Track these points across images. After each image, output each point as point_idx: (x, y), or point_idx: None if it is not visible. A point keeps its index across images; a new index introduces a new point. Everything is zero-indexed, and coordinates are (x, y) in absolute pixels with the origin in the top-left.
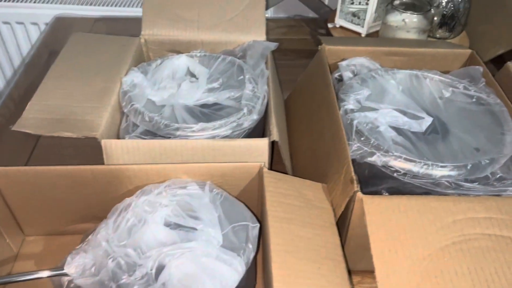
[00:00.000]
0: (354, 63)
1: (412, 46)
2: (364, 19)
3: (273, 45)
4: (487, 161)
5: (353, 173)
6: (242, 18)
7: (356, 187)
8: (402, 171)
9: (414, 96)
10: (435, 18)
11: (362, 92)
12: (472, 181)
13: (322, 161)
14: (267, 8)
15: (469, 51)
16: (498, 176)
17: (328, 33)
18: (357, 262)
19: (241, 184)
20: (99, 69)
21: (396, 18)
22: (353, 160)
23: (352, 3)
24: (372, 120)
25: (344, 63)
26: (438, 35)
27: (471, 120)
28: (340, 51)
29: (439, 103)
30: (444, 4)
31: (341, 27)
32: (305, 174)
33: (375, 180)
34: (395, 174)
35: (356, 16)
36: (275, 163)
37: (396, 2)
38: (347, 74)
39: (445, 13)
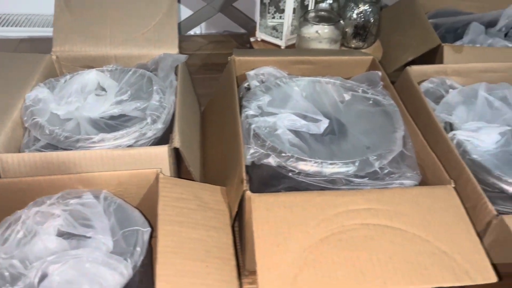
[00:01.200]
0: (262, 72)
1: (319, 54)
2: (282, 32)
3: (183, 57)
4: (375, 157)
5: (244, 174)
6: (154, 32)
7: (245, 186)
8: (296, 171)
9: (317, 101)
10: (348, 30)
11: (263, 99)
12: (362, 177)
13: (225, 165)
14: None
15: (371, 57)
16: (386, 170)
17: (251, 47)
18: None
19: (141, 191)
20: (4, 86)
21: (310, 30)
22: (253, 163)
23: (273, 18)
24: (271, 124)
25: (251, 72)
26: (353, 45)
27: (368, 121)
28: (250, 62)
29: (340, 106)
30: (355, 16)
31: (262, 40)
32: (215, 180)
33: (274, 181)
34: (290, 174)
35: (275, 29)
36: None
37: (310, 15)
38: (254, 83)
39: (356, 24)
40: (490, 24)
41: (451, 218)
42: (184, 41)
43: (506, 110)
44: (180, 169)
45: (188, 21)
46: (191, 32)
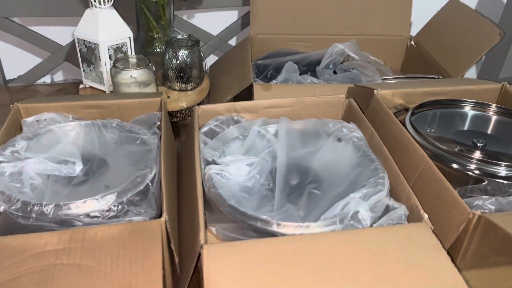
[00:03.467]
0: (44, 118)
1: (109, 99)
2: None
3: None
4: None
5: None
6: None
7: None
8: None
9: (89, 144)
10: (170, 73)
11: (19, 144)
12: (95, 216)
13: None
14: None
15: (159, 99)
16: (120, 207)
17: None
18: None
19: None
20: None
21: (122, 76)
22: None
23: (94, 66)
24: (19, 169)
25: (29, 119)
26: (177, 88)
27: (128, 159)
28: (37, 108)
29: (112, 147)
30: (174, 60)
31: (90, 87)
32: None
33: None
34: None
35: (98, 76)
36: None
37: (119, 62)
38: (27, 130)
39: (176, 68)
40: (318, 63)
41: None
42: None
43: (274, 143)
44: None
45: (36, 69)
46: (40, 81)
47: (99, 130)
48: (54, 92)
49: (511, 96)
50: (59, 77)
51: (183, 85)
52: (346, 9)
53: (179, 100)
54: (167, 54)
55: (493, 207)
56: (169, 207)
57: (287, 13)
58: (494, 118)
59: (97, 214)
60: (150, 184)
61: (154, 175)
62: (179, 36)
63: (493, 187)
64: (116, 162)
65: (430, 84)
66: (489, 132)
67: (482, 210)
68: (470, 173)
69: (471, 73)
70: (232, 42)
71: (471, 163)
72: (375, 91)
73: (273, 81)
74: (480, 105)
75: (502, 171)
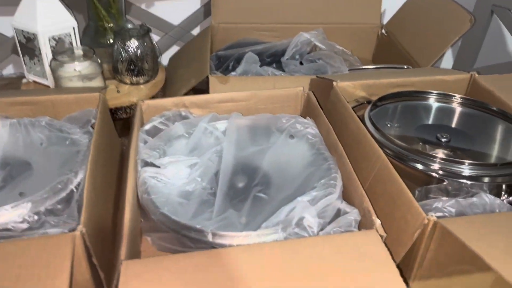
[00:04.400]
0: None
1: (42, 94)
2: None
3: None
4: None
5: None
6: None
7: None
8: None
9: (16, 143)
10: (120, 66)
11: None
12: None
13: None
14: None
15: (97, 94)
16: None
17: None
18: None
19: None
20: None
21: (64, 69)
22: None
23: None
24: None
25: None
26: (128, 81)
27: (55, 162)
28: None
29: (38, 149)
30: (117, 52)
31: (34, 81)
32: None
33: None
34: None
35: (42, 70)
36: None
37: (60, 55)
38: None
39: (126, 60)
40: (284, 53)
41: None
42: None
43: (222, 141)
44: None
45: None
46: None
47: (25, 130)
48: (1, 87)
49: (480, 87)
50: (10, 70)
51: (134, 78)
52: None
53: (130, 94)
54: (115, 45)
55: (453, 210)
56: (91, 217)
57: (251, 1)
58: (459, 110)
59: (10, 226)
60: (74, 190)
61: (81, 180)
62: (130, 26)
63: (455, 187)
64: (41, 165)
65: (394, 74)
66: (454, 125)
67: (441, 214)
68: (431, 173)
69: (448, 63)
70: (196, 32)
71: (432, 162)
72: (334, 83)
73: (232, 73)
74: (445, 97)
75: (465, 170)
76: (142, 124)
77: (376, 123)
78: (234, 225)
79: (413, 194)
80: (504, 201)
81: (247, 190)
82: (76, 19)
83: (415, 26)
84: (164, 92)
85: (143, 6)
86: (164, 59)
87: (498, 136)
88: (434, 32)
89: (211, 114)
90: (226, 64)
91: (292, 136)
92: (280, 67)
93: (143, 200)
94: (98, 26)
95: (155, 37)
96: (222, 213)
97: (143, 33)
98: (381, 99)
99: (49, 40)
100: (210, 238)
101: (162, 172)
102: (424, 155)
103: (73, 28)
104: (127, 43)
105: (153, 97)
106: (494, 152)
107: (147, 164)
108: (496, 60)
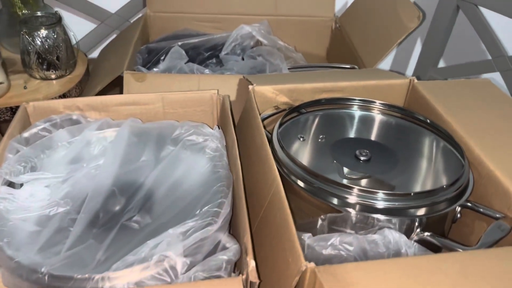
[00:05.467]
0: None
1: None
2: None
3: None
4: None
5: None
6: None
7: None
8: None
9: None
10: (28, 59)
11: None
12: None
13: None
14: None
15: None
16: None
17: None
18: None
19: None
20: None
21: None
22: None
23: None
24: None
25: None
26: (38, 76)
27: None
28: None
29: None
30: (23, 43)
31: None
32: None
33: None
34: None
35: None
36: None
37: None
38: None
39: (29, 52)
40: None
41: None
42: None
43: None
44: None
45: None
46: None
47: None
48: None
49: (418, 94)
50: None
51: (44, 72)
52: None
53: (38, 91)
54: (22, 36)
55: (351, 248)
56: None
57: None
58: (383, 120)
59: None
60: None
61: None
62: (39, 13)
63: (360, 218)
64: None
65: (321, 77)
66: (376, 138)
67: (337, 252)
68: (334, 206)
69: (412, 60)
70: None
71: (340, 190)
72: (249, 87)
73: (154, 69)
74: (369, 104)
75: (377, 202)
76: (22, 130)
77: (285, 137)
78: (85, 263)
79: (315, 223)
80: (414, 238)
81: (117, 216)
82: None
83: (365, 21)
84: (82, 88)
85: None
86: (99, 51)
87: (425, 151)
88: (381, 30)
89: (101, 120)
90: (156, 57)
91: (186, 149)
92: (220, 63)
93: None
94: (13, 13)
95: (91, 26)
96: (78, 245)
97: (54, 22)
98: (297, 107)
99: None
100: (47, 280)
101: (16, 192)
102: (329, 182)
103: None
104: (34, 33)
105: (64, 94)
106: (416, 174)
107: (6, 182)
108: (463, 57)
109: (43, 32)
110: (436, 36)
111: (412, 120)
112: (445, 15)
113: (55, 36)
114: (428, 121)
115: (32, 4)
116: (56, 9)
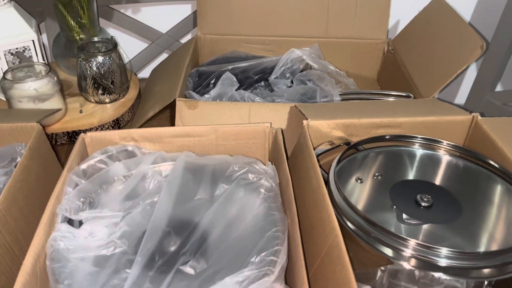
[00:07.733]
0: None
1: None
2: None
3: None
4: None
5: None
6: None
7: None
8: None
9: None
10: (84, 83)
11: None
12: None
13: None
14: None
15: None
16: None
17: None
18: None
19: None
20: None
21: (16, 88)
22: None
23: None
24: None
25: None
26: (93, 100)
27: None
28: None
29: None
30: (80, 68)
31: None
32: None
33: None
34: None
35: None
36: None
37: (9, 74)
38: None
39: (93, 76)
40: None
41: None
42: None
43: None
44: None
45: None
46: None
47: None
48: None
49: (483, 132)
50: None
51: (100, 97)
52: (312, 6)
53: (92, 115)
54: (78, 62)
55: None
56: None
57: (242, 10)
58: (449, 161)
59: None
60: None
61: None
62: (95, 39)
63: (425, 275)
64: None
65: (378, 111)
66: (437, 181)
67: None
68: (395, 260)
69: (469, 79)
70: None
71: (400, 244)
72: (304, 122)
73: (205, 95)
74: (432, 143)
75: (440, 260)
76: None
77: (342, 177)
78: None
79: (375, 274)
80: None
81: (174, 259)
82: (39, 29)
83: (421, 46)
84: (135, 112)
85: (128, 13)
86: (149, 70)
87: (495, 201)
88: (439, 58)
89: (156, 153)
90: (207, 81)
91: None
92: (268, 87)
93: (48, 269)
94: (69, 37)
95: (141, 46)
96: None
97: (111, 48)
98: (354, 145)
99: (5, 54)
100: None
101: (75, 232)
102: (389, 235)
103: (32, 41)
104: (91, 59)
105: (117, 120)
106: (483, 227)
107: (66, 218)
108: None
109: (99, 58)
110: (496, 57)
111: (479, 163)
112: (506, 36)
113: (110, 62)
114: (498, 166)
115: (89, 29)
116: (109, 30)
